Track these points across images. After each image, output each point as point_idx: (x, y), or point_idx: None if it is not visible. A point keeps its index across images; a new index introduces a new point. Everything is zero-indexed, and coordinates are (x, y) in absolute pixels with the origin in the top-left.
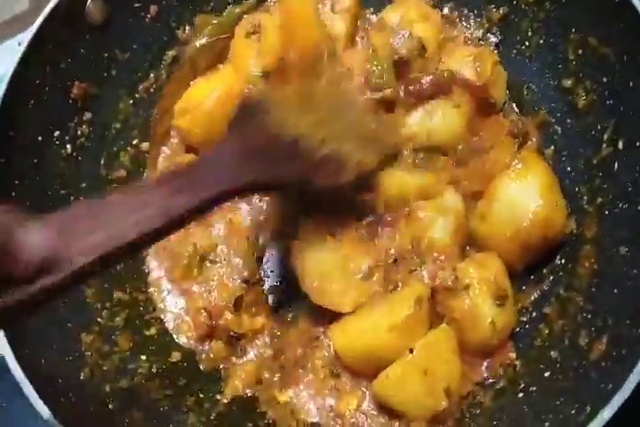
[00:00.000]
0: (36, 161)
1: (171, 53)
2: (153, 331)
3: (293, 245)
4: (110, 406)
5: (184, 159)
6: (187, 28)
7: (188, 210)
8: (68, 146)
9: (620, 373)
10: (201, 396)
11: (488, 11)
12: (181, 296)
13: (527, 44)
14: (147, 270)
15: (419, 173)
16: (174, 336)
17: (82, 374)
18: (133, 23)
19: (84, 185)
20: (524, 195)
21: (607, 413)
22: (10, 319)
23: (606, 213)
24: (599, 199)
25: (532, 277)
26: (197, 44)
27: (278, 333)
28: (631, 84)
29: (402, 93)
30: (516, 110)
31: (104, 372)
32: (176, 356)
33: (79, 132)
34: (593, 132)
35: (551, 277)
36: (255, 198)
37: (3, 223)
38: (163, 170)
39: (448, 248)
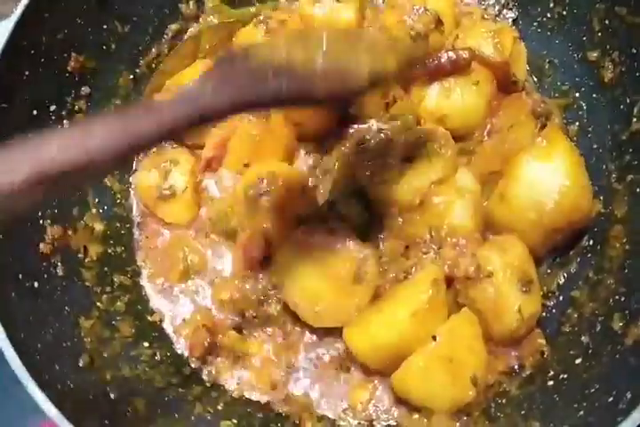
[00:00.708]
0: (30, 136)
1: (173, 27)
2: (156, 317)
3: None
4: (112, 395)
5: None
6: (190, 2)
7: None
8: (65, 121)
9: None
10: (208, 385)
11: None
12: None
13: (549, 15)
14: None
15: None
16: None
17: (80, 360)
18: None
19: None
20: (549, 175)
21: None
22: None
23: (638, 190)
24: (629, 177)
25: (557, 259)
26: (205, 24)
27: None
28: None
29: (419, 69)
30: (537, 87)
31: (104, 359)
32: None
33: (76, 107)
34: (621, 107)
35: (578, 260)
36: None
37: None
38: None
39: (470, 233)
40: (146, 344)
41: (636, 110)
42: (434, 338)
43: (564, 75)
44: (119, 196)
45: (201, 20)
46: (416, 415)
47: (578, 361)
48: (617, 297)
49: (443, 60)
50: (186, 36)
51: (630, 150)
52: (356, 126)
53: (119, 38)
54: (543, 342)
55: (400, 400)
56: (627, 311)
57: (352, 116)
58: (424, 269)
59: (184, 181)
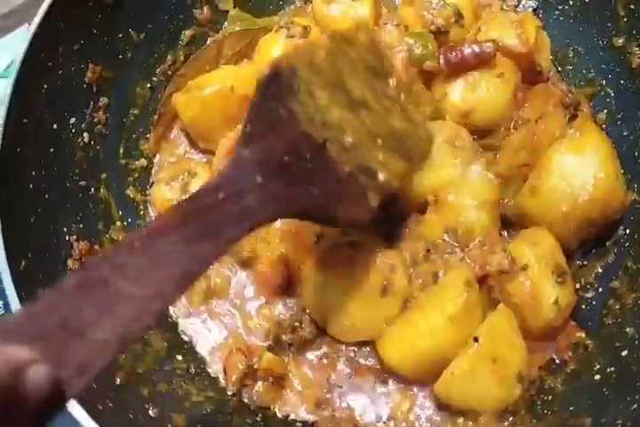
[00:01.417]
0: (52, 151)
1: (188, 33)
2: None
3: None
4: (150, 413)
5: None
6: (204, 7)
7: (213, 259)
8: (85, 134)
9: None
10: (251, 408)
11: None
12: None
13: (570, 3)
14: None
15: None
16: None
17: (117, 378)
18: (148, 0)
19: (104, 176)
20: (582, 167)
21: None
22: None
23: None
24: None
25: (593, 250)
26: (227, 30)
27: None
28: None
29: (442, 64)
30: (562, 76)
31: (139, 375)
32: None
33: (96, 119)
34: None
35: (615, 250)
36: None
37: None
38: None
39: (489, 231)
40: (179, 358)
41: None
42: (475, 340)
43: (590, 62)
44: (141, 207)
45: (224, 26)
46: (460, 419)
47: (624, 353)
48: None
49: (466, 53)
50: (209, 41)
51: None
52: None
53: (135, 47)
54: (582, 334)
55: (442, 406)
56: None
57: None
58: (453, 271)
59: None
